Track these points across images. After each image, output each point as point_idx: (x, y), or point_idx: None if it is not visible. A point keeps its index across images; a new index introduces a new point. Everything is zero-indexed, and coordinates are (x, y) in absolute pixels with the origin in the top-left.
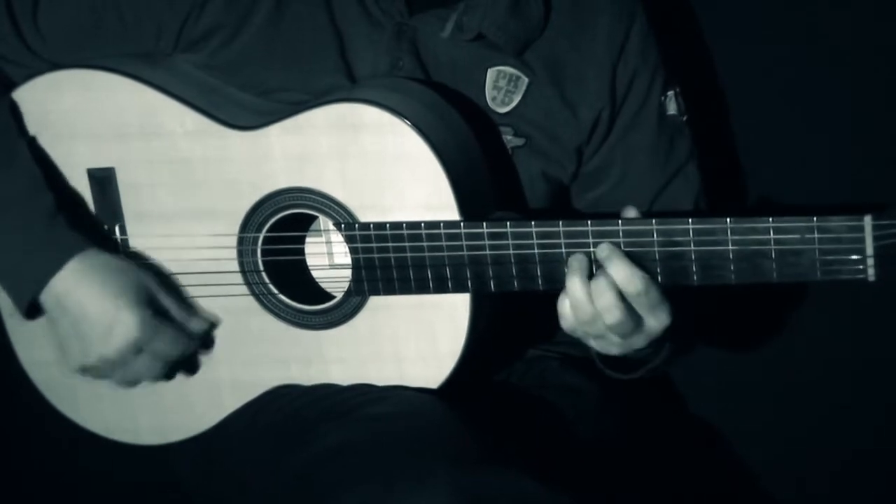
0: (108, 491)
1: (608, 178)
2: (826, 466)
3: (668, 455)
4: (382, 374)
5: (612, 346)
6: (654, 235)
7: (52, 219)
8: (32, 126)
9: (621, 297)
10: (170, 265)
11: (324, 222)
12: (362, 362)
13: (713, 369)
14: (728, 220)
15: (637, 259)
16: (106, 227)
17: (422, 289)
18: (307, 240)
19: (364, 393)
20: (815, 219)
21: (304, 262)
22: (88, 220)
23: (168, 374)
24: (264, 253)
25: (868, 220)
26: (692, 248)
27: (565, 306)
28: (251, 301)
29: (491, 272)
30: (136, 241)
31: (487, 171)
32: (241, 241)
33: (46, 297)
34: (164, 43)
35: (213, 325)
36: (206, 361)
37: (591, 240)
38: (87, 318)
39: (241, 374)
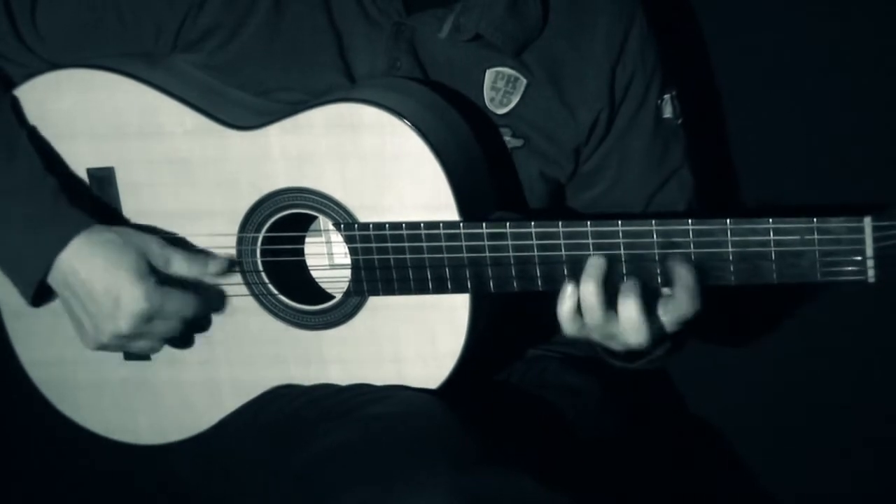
0: (109, 491)
1: (603, 180)
2: (826, 466)
3: (668, 455)
4: (382, 375)
5: (618, 346)
6: (654, 236)
7: (56, 200)
8: (32, 125)
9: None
10: None
11: (323, 222)
12: (361, 362)
13: (713, 369)
14: (728, 220)
15: (637, 260)
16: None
17: (421, 289)
18: (306, 240)
19: (363, 393)
20: (814, 220)
21: (303, 262)
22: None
23: (187, 334)
24: (264, 253)
25: (868, 222)
26: (692, 249)
27: (568, 307)
28: (250, 301)
29: (490, 273)
30: None
31: (487, 172)
32: (240, 241)
33: (54, 278)
34: (163, 43)
35: (225, 268)
36: (206, 361)
37: (590, 240)
38: (94, 296)
39: (240, 374)
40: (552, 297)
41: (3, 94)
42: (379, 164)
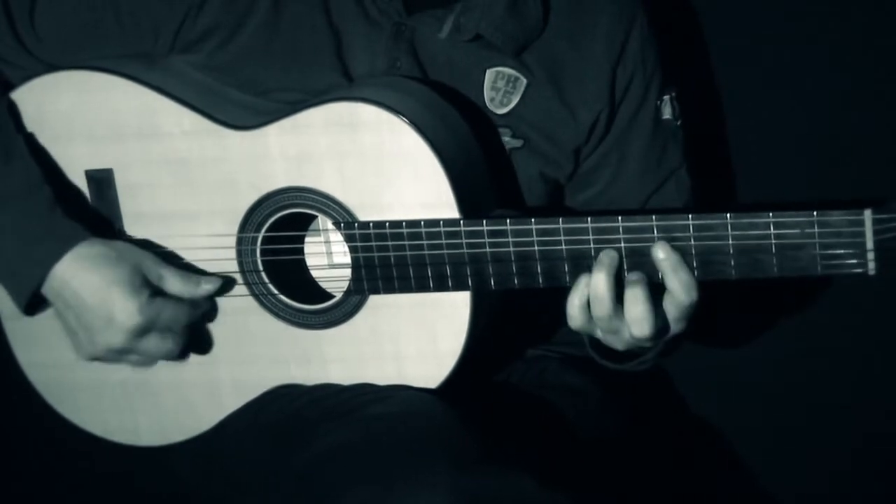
0: (109, 492)
1: (600, 180)
2: (826, 466)
3: (668, 455)
4: (382, 373)
5: (619, 342)
6: (654, 231)
7: (51, 211)
8: (30, 127)
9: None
10: None
11: (323, 221)
12: (362, 361)
13: (713, 369)
14: (728, 215)
15: (638, 254)
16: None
17: (422, 287)
18: (306, 239)
19: (364, 393)
20: (815, 213)
21: (303, 261)
22: (87, 220)
23: (182, 346)
24: (263, 253)
25: (868, 214)
26: (692, 243)
27: (579, 298)
28: (250, 301)
29: (491, 269)
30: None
31: (487, 170)
32: (240, 241)
33: (49, 289)
34: (162, 43)
35: (219, 287)
36: (206, 361)
37: (591, 236)
38: (88, 309)
39: (240, 374)
40: (552, 296)
41: (0, 96)
42: (378, 163)
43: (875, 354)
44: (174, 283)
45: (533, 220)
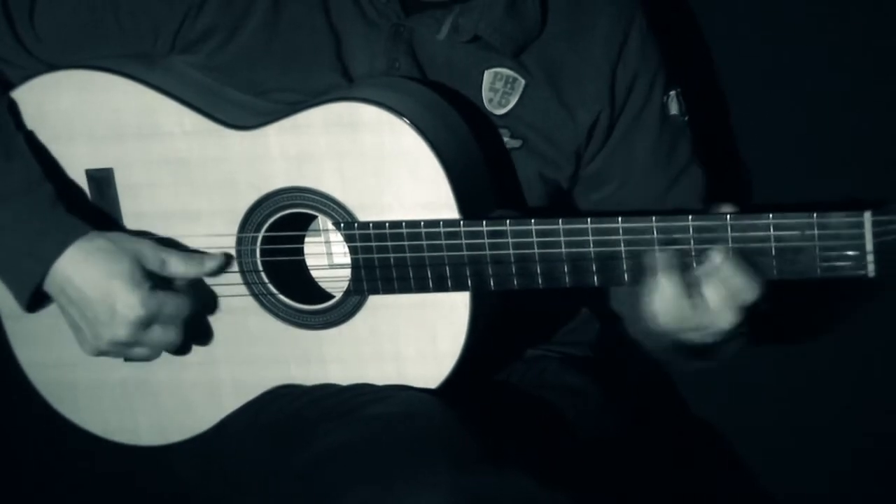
0: (109, 492)
1: (612, 180)
2: (826, 466)
3: (668, 455)
4: (382, 374)
5: (709, 336)
6: (654, 233)
7: (53, 207)
8: (30, 126)
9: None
10: None
11: (323, 222)
12: (362, 362)
13: (713, 370)
14: (728, 216)
15: (637, 256)
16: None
17: (421, 288)
18: (306, 239)
19: (364, 393)
20: (814, 215)
21: (303, 261)
22: (87, 219)
23: (186, 339)
24: (263, 253)
25: (868, 216)
26: (692, 245)
27: (664, 302)
28: (250, 301)
29: (491, 270)
30: None
31: (486, 170)
32: (239, 241)
33: (51, 285)
34: (162, 44)
35: (222, 263)
36: (206, 361)
37: (590, 237)
38: (90, 305)
39: (240, 375)
40: (552, 296)
41: (0, 96)
42: (378, 163)
43: (875, 354)
44: (177, 265)
45: (532, 220)
